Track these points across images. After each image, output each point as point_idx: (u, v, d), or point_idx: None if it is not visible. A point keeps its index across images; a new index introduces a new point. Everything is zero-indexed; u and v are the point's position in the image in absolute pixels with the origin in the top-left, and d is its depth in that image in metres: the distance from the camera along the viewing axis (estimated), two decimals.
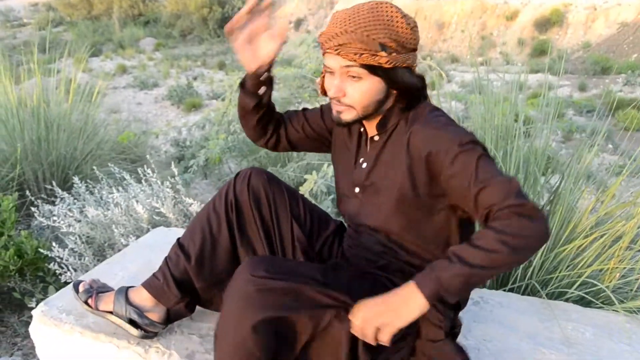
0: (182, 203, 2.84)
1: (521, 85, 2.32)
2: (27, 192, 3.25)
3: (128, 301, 1.45)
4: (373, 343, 1.12)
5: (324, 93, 1.33)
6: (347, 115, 1.25)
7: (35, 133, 3.80)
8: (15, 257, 2.57)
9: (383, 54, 1.16)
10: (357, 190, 1.36)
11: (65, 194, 2.89)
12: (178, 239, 1.47)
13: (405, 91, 1.25)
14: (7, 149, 3.76)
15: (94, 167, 3.23)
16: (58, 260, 2.49)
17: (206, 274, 1.42)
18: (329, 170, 2.46)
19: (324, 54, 1.24)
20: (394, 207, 1.26)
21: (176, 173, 2.94)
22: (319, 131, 1.50)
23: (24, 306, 2.67)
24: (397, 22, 1.17)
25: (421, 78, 1.27)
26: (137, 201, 2.70)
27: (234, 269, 1.32)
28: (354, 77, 1.20)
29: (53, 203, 3.17)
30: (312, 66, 3.89)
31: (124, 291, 1.47)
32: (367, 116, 1.27)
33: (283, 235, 1.46)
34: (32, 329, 1.63)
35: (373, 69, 1.18)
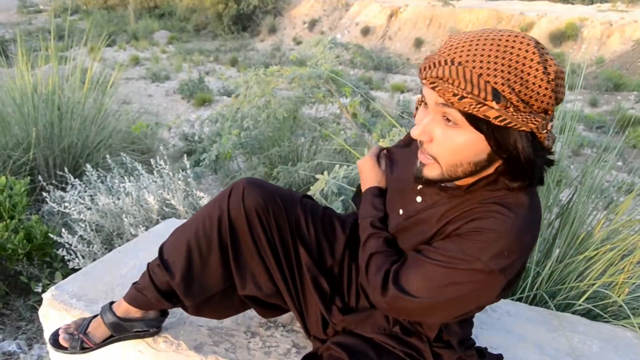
0: (192, 196, 2.85)
1: None
2: (39, 177, 3.27)
3: (122, 319, 1.39)
4: None
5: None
6: (431, 172, 1.00)
7: (49, 119, 3.82)
8: (25, 241, 2.59)
9: (494, 104, 0.86)
10: (401, 211, 1.19)
11: (77, 181, 2.91)
12: (161, 255, 1.32)
13: (513, 163, 0.94)
14: (20, 133, 3.79)
15: (107, 156, 3.25)
16: (67, 246, 2.51)
17: (195, 294, 1.31)
18: (340, 171, 2.46)
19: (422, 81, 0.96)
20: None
21: (188, 166, 2.96)
22: None
23: (29, 290, 2.69)
24: (531, 67, 0.85)
25: (547, 152, 0.96)
26: (148, 192, 2.72)
27: (226, 286, 1.31)
28: (449, 120, 0.92)
29: (64, 190, 3.19)
30: (327, 67, 3.90)
31: (109, 310, 1.39)
32: (454, 179, 1.01)
33: (285, 261, 1.30)
34: (42, 313, 1.64)
35: (476, 121, 0.89)
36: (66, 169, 3.12)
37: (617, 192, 2.46)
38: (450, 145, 0.94)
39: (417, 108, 1.05)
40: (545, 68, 0.86)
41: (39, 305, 1.71)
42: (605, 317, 1.81)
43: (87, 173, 3.06)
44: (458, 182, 1.04)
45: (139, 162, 3.10)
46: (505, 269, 0.97)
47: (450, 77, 0.87)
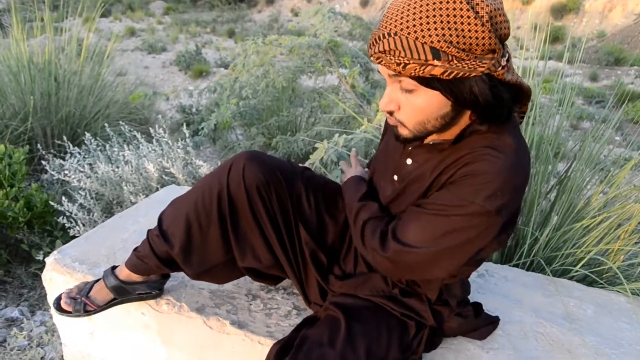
0: (192, 164, 2.86)
1: (534, 71, 2.32)
2: (38, 147, 3.27)
3: (125, 282, 1.40)
4: None
5: None
6: (403, 132, 1.05)
7: (46, 88, 3.80)
8: (25, 209, 2.60)
9: (436, 62, 0.89)
10: (395, 177, 1.21)
11: (76, 149, 2.91)
12: (160, 225, 1.32)
13: (478, 107, 0.96)
14: (17, 103, 3.77)
15: (105, 125, 3.24)
16: (67, 214, 2.52)
17: (195, 265, 1.31)
18: (340, 140, 2.46)
19: None
20: None
21: (187, 135, 2.95)
22: None
23: (31, 259, 2.71)
24: (462, 16, 0.87)
25: (514, 88, 0.99)
26: (147, 160, 2.72)
27: (227, 259, 1.32)
28: (405, 89, 0.98)
29: (63, 159, 3.19)
30: (326, 36, 3.86)
31: (112, 274, 1.40)
32: (430, 134, 1.04)
33: (286, 236, 1.32)
34: (45, 277, 1.66)
35: (427, 81, 0.93)
36: (65, 138, 3.12)
37: (614, 165, 2.47)
38: (412, 109, 0.99)
39: None
40: (477, 12, 0.88)
41: (41, 272, 1.73)
42: (600, 283, 1.84)
43: (86, 142, 3.05)
44: (443, 137, 1.08)
45: (138, 132, 3.10)
46: (500, 209, 0.99)
47: (390, 49, 0.91)
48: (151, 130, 3.00)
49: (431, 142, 1.10)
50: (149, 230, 1.36)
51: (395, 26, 0.90)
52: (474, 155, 1.01)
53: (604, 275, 1.88)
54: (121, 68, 7.73)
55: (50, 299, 1.71)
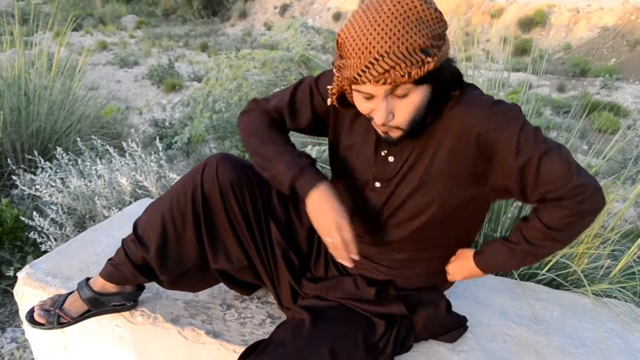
0: (165, 178, 2.85)
1: (502, 82, 2.39)
2: (8, 161, 3.22)
3: (99, 294, 1.40)
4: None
5: (341, 103, 1.18)
6: (396, 134, 1.10)
7: (15, 103, 3.74)
8: None
9: (429, 59, 0.97)
10: (377, 185, 1.22)
11: (47, 164, 2.88)
12: (136, 231, 1.33)
13: (450, 83, 1.08)
14: None
15: (78, 139, 3.21)
16: (38, 229, 2.49)
17: (170, 268, 1.33)
18: (312, 151, 2.50)
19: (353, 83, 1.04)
20: (435, 199, 1.17)
21: (160, 148, 2.95)
22: (315, 118, 1.31)
23: (1, 275, 2.66)
24: (423, 11, 0.97)
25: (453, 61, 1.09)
26: (120, 174, 2.71)
27: (201, 261, 1.34)
28: (399, 95, 1.02)
29: (34, 174, 3.15)
30: (299, 50, 3.91)
31: (86, 286, 1.41)
32: (417, 125, 1.10)
33: (256, 236, 1.34)
34: (17, 292, 1.64)
35: (422, 79, 1.00)
36: (35, 153, 3.08)
37: None
38: (408, 109, 1.05)
39: (337, 97, 1.16)
40: (430, 4, 0.98)
41: (11, 288, 1.71)
42: (566, 286, 1.90)
43: (57, 156, 3.02)
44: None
45: (110, 146, 3.08)
46: (524, 117, 1.09)
47: (390, 67, 0.96)
48: (124, 144, 2.99)
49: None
50: (123, 239, 1.37)
51: (382, 47, 0.95)
52: (463, 109, 1.09)
53: (569, 278, 1.95)
54: (93, 82, 7.67)
55: (22, 314, 1.68)
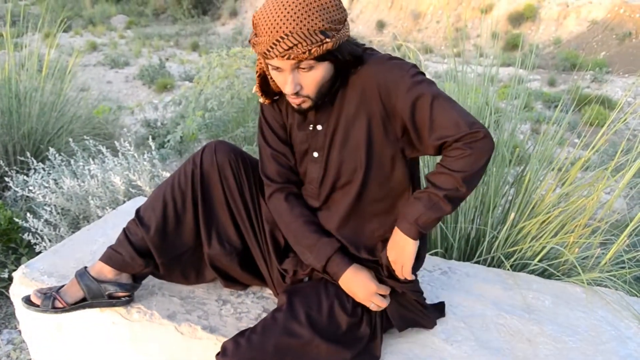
0: (158, 177, 2.86)
1: (493, 77, 2.41)
2: (0, 163, 3.21)
3: (96, 279, 1.45)
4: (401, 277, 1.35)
5: (267, 94, 1.35)
6: (306, 104, 1.26)
7: (6, 105, 3.73)
8: None
9: (327, 40, 1.13)
10: (315, 154, 1.36)
11: (40, 165, 2.88)
12: (138, 213, 1.46)
13: (350, 61, 1.24)
14: None
15: (70, 140, 3.21)
16: (32, 230, 2.49)
17: (168, 250, 1.45)
18: None
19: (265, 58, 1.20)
20: (362, 160, 1.30)
21: (153, 147, 2.95)
22: (287, 135, 1.43)
23: None
24: (326, 1, 1.14)
25: (356, 41, 1.27)
26: (113, 173, 2.71)
27: (196, 245, 1.47)
28: (304, 68, 1.18)
29: (27, 175, 3.15)
30: None
31: (85, 273, 1.46)
32: (324, 96, 1.27)
33: (251, 214, 1.47)
34: (13, 291, 1.65)
35: (322, 57, 1.17)
36: (28, 154, 3.07)
37: (572, 165, 2.58)
38: (313, 82, 1.21)
39: (259, 86, 1.34)
40: None
41: (6, 291, 1.71)
42: (557, 276, 1.92)
43: (50, 157, 3.02)
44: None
45: (103, 146, 3.08)
46: (420, 71, 1.25)
47: (293, 45, 1.12)
48: (116, 144, 2.99)
49: (325, 100, 1.30)
50: (125, 226, 1.47)
51: (287, 27, 1.11)
52: (364, 68, 1.25)
53: (560, 268, 1.97)
54: (84, 83, 7.63)
55: (19, 314, 1.69)
